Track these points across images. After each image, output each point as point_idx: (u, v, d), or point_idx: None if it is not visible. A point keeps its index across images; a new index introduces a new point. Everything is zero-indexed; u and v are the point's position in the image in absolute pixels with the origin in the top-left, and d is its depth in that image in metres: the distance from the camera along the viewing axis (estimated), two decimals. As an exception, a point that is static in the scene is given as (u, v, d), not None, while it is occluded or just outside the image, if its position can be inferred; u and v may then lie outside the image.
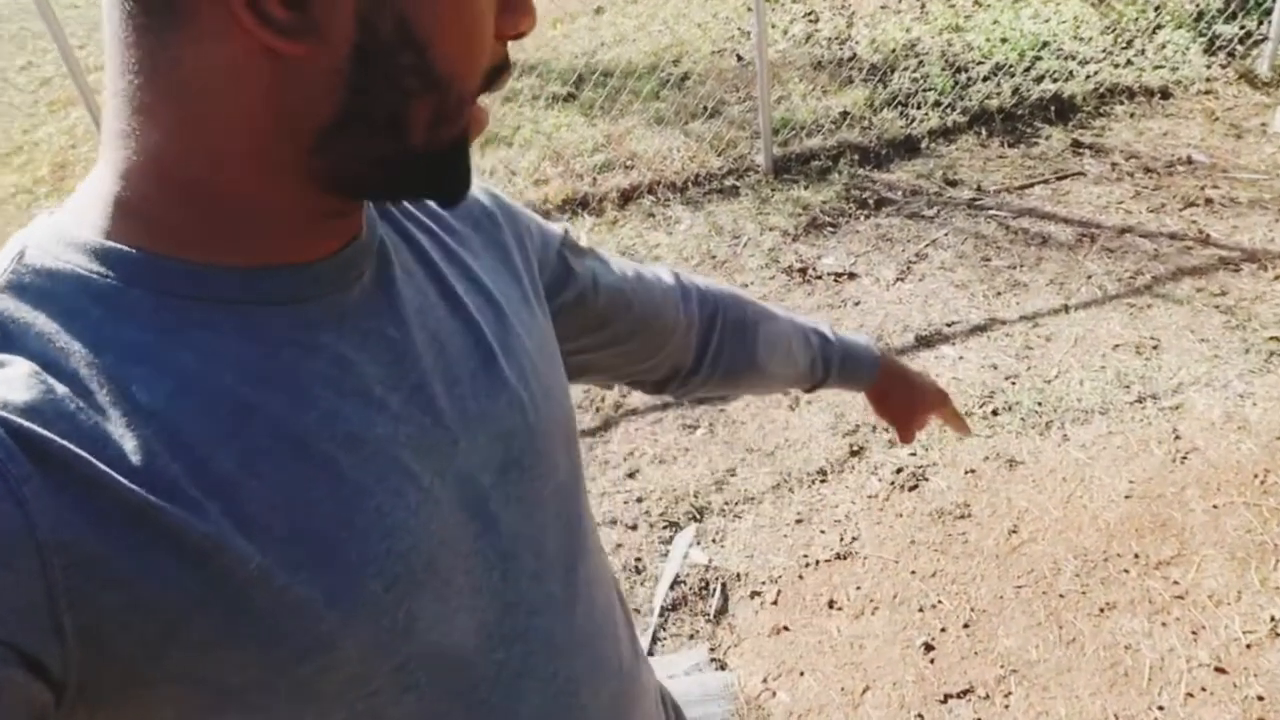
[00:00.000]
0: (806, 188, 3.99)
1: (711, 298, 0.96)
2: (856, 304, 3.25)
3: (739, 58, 5.17)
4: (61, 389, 0.46)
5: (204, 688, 0.48)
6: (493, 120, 4.73)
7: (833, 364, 1.02)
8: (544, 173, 4.30)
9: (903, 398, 1.08)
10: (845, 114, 4.39)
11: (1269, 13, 4.51)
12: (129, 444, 0.46)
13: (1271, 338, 2.85)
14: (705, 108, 4.59)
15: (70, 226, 0.50)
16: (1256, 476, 2.41)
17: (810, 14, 5.70)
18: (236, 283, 0.51)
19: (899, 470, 2.54)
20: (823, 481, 2.55)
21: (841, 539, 2.37)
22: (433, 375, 0.58)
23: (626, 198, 4.07)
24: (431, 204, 0.70)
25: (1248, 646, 2.00)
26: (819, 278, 3.42)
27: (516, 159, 4.42)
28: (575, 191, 4.09)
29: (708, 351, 0.95)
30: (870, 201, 3.85)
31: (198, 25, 0.47)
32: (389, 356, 0.56)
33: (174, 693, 0.48)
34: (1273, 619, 2.05)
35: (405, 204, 0.66)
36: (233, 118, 0.49)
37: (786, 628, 2.16)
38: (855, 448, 2.63)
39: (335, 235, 0.55)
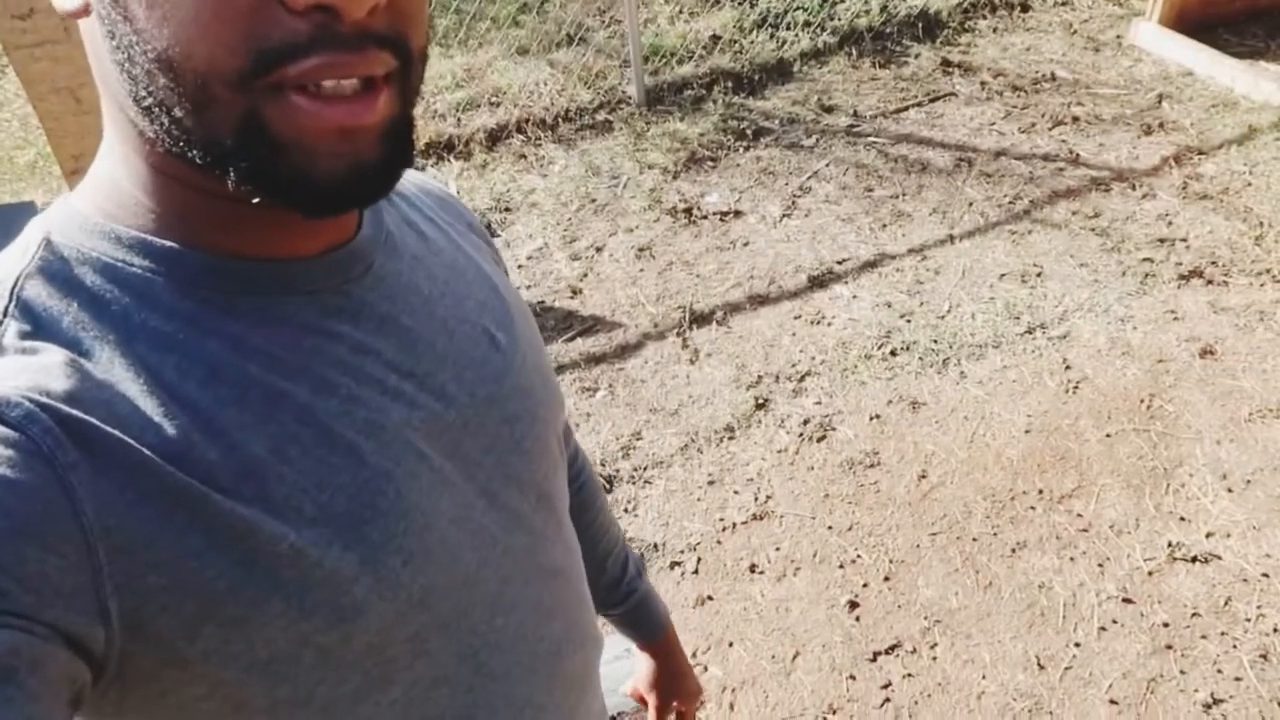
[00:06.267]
0: (682, 119, 3.86)
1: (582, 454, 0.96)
2: (745, 244, 3.18)
3: (599, -23, 4.92)
4: (98, 376, 0.46)
5: (234, 663, 0.49)
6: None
7: (637, 592, 1.00)
8: (403, 113, 4.00)
9: (674, 675, 1.06)
10: (715, 38, 4.25)
11: (1118, -79, 4.58)
12: (168, 430, 0.47)
13: (1145, 259, 2.94)
14: (569, 35, 4.35)
15: (92, 214, 0.50)
16: (1143, 401, 2.49)
17: (668, -73, 5.47)
18: (254, 273, 0.52)
19: (806, 421, 2.52)
20: (731, 439, 2.50)
21: (756, 498, 2.34)
22: (444, 361, 0.60)
23: (494, 138, 3.84)
24: (432, 196, 0.71)
25: (1149, 574, 2.08)
26: (704, 218, 3.33)
27: (371, 99, 4.09)
28: (439, 134, 3.83)
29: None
30: (748, 132, 3.75)
31: None
32: (403, 343, 0.57)
33: (206, 670, 0.48)
34: (1169, 544, 2.14)
35: (410, 197, 0.67)
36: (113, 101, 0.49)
37: (710, 597, 2.12)
38: (760, 400, 2.59)
39: (329, 228, 0.55)
